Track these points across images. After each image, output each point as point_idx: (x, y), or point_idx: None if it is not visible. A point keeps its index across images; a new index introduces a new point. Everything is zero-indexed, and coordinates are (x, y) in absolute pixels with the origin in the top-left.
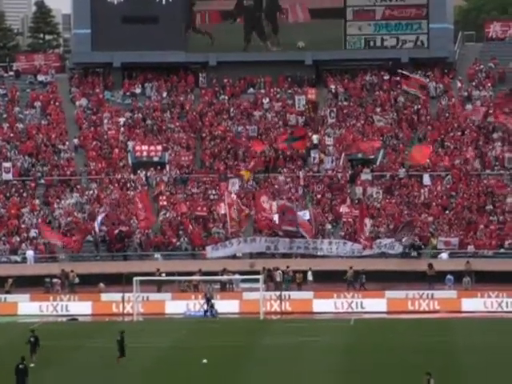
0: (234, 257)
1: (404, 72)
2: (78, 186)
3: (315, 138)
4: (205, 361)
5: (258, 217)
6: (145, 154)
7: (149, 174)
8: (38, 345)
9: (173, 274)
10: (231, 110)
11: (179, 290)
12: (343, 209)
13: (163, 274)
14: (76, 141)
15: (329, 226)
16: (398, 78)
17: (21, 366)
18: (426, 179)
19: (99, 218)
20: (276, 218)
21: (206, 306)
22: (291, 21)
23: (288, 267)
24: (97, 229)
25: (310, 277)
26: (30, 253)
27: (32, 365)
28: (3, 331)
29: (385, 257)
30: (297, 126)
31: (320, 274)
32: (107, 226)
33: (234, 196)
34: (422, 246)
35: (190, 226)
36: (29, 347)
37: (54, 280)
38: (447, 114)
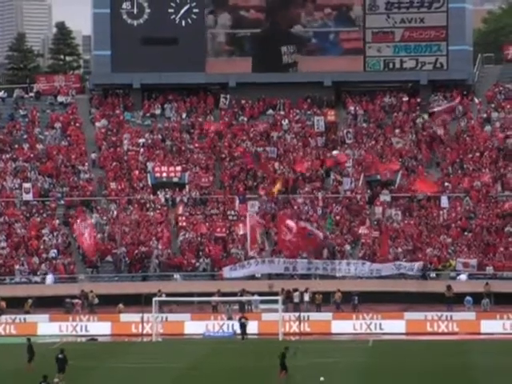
0: (252, 277)
1: (435, 109)
2: (98, 207)
3: (334, 153)
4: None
5: (280, 237)
6: (164, 174)
7: (168, 196)
8: (66, 363)
9: (191, 294)
10: (250, 131)
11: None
12: (362, 230)
13: (163, 295)
14: (96, 161)
15: (347, 247)
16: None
17: None
18: (444, 201)
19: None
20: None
21: (238, 330)
22: None
23: (307, 289)
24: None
25: (306, 297)
26: (49, 277)
27: (56, 380)
28: (23, 351)
29: (404, 278)
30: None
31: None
32: (127, 247)
33: (256, 217)
34: (439, 267)
35: (210, 247)
36: (56, 365)
37: (75, 301)
38: (466, 136)
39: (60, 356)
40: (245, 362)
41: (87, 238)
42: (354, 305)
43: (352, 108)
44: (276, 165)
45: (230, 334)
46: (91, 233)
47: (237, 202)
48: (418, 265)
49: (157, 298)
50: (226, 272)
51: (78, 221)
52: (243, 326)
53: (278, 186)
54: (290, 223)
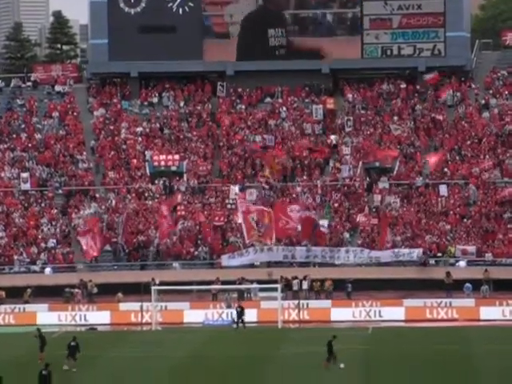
0: (251, 266)
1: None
2: (97, 196)
3: (333, 138)
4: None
5: (279, 225)
6: (162, 163)
7: (167, 184)
8: (79, 351)
9: (191, 283)
10: (248, 119)
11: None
12: (360, 218)
13: (157, 283)
14: (94, 150)
15: (346, 235)
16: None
17: (44, 372)
18: (443, 190)
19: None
20: (299, 227)
21: (236, 318)
22: None
23: (306, 276)
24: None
25: (304, 285)
26: (48, 270)
27: (65, 367)
28: (23, 341)
29: (403, 265)
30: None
31: (337, 283)
32: (125, 236)
33: (251, 205)
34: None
35: (208, 236)
36: (67, 351)
37: (75, 290)
38: (464, 122)
39: (72, 343)
40: (244, 350)
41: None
42: (347, 292)
43: (350, 95)
44: (274, 152)
45: (229, 322)
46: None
47: (232, 190)
48: (417, 252)
49: (155, 287)
50: (225, 260)
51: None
52: (240, 315)
53: (268, 171)
54: (292, 213)
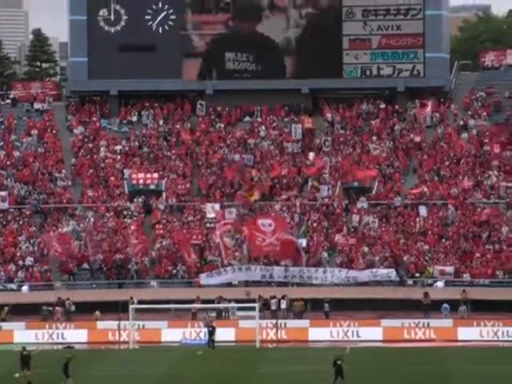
0: (229, 285)
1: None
2: (75, 213)
3: (311, 155)
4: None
5: (253, 243)
6: (141, 181)
7: (145, 202)
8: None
9: (169, 301)
10: (228, 138)
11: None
12: (338, 237)
13: (135, 302)
14: (72, 169)
15: (325, 255)
16: (396, 108)
17: None
18: (423, 211)
19: None
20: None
21: (207, 336)
22: None
23: (284, 296)
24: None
25: (283, 305)
26: (25, 288)
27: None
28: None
29: (381, 285)
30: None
31: (315, 303)
32: (103, 254)
33: (227, 224)
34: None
35: (186, 254)
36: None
37: (56, 308)
38: (443, 143)
39: (25, 353)
40: (221, 369)
41: (58, 248)
42: (325, 312)
43: (329, 115)
44: (253, 172)
45: (206, 341)
46: (61, 242)
47: (209, 209)
48: (394, 271)
49: (134, 306)
50: (203, 279)
51: (49, 233)
52: (211, 334)
53: (255, 196)
54: (264, 227)
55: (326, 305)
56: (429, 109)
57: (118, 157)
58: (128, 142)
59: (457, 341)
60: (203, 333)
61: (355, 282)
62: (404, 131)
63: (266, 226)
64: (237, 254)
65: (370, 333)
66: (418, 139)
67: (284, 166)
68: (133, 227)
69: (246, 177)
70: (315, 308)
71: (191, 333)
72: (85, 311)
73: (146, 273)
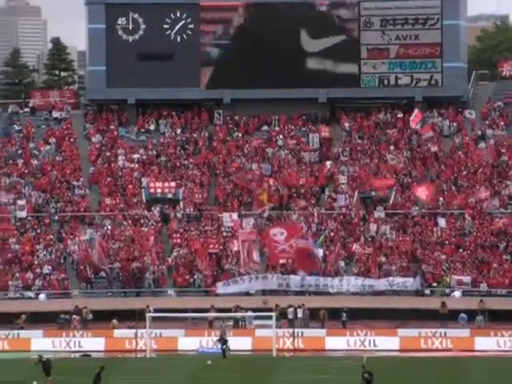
0: (246, 294)
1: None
2: (95, 222)
3: (328, 163)
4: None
5: (270, 252)
6: (159, 190)
7: (163, 211)
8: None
9: (186, 310)
10: (245, 147)
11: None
12: (356, 247)
13: (151, 310)
14: (90, 177)
15: (342, 264)
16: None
17: None
18: (442, 222)
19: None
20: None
21: (219, 345)
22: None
23: (302, 305)
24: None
25: (300, 314)
26: (42, 296)
27: None
28: (17, 367)
29: (397, 295)
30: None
31: (332, 312)
32: (121, 263)
33: (247, 233)
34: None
35: (203, 263)
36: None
37: (73, 316)
38: (460, 153)
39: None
40: (238, 377)
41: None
42: (342, 321)
43: (347, 124)
44: (270, 181)
45: (220, 350)
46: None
47: (226, 218)
48: (412, 280)
49: (150, 314)
50: (220, 288)
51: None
52: (223, 344)
53: (264, 197)
54: (276, 236)
55: (344, 314)
56: (414, 114)
57: (136, 165)
58: (146, 150)
59: (474, 351)
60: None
61: (371, 290)
62: (421, 141)
63: (277, 235)
64: (256, 263)
65: (387, 342)
66: (435, 149)
67: (301, 175)
68: (150, 236)
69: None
70: (332, 317)
71: (208, 341)
72: (102, 319)
73: (163, 281)
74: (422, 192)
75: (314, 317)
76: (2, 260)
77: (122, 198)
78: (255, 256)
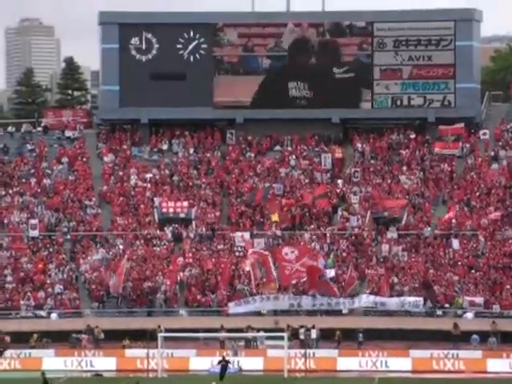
0: (258, 314)
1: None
2: (109, 241)
3: (340, 182)
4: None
5: (281, 272)
6: (171, 210)
7: (175, 231)
8: None
9: (197, 330)
10: (257, 167)
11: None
12: (369, 267)
13: (163, 330)
14: (102, 196)
15: (357, 287)
16: (427, 138)
17: None
18: (455, 244)
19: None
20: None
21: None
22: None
23: (314, 326)
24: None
25: (313, 334)
26: (54, 315)
27: None
28: None
29: (410, 315)
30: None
31: (344, 332)
32: (133, 282)
33: (260, 253)
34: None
35: (216, 283)
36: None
37: (83, 336)
38: (473, 173)
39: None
40: None
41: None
42: (359, 342)
43: (359, 145)
44: (283, 201)
45: (234, 370)
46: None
47: (238, 237)
48: (423, 300)
49: (162, 334)
50: (231, 308)
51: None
52: (224, 368)
53: (275, 217)
54: (287, 256)
55: (360, 335)
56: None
57: (149, 185)
58: (158, 170)
59: (486, 372)
60: (232, 361)
61: (383, 308)
62: (434, 162)
63: (289, 253)
64: (265, 281)
65: (399, 363)
66: (448, 169)
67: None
68: (163, 255)
69: (272, 203)
70: (344, 338)
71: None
72: (113, 339)
73: (175, 301)
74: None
75: (327, 337)
76: (14, 279)
77: (135, 218)
78: (272, 276)
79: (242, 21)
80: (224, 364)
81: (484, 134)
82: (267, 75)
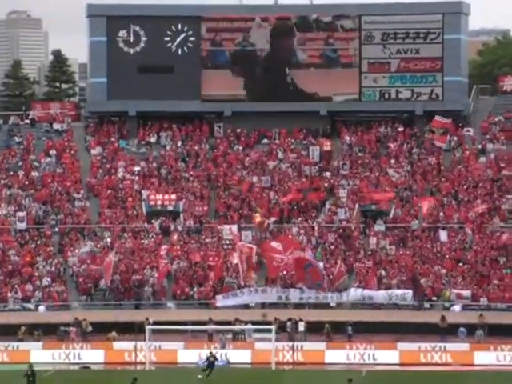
0: (246, 306)
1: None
2: (96, 234)
3: (328, 174)
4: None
5: (269, 265)
6: (159, 203)
7: (163, 224)
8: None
9: (185, 323)
10: (245, 160)
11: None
12: (356, 260)
13: (151, 323)
14: (90, 189)
15: (346, 281)
16: (415, 131)
17: None
18: (443, 236)
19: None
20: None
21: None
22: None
23: (301, 319)
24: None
25: (301, 327)
26: (42, 308)
27: None
28: (15, 379)
29: (397, 308)
30: (313, 177)
31: (332, 325)
32: (121, 275)
33: (246, 246)
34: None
35: (203, 276)
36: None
37: (71, 328)
38: (461, 167)
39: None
40: None
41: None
42: (348, 335)
43: (347, 138)
44: (271, 194)
45: (223, 362)
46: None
47: (226, 230)
48: (411, 292)
49: (150, 327)
50: (219, 300)
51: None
52: (212, 363)
53: (258, 217)
54: (275, 248)
55: (349, 328)
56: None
57: (136, 178)
58: (146, 163)
59: (473, 365)
60: (219, 354)
61: (371, 301)
62: (422, 155)
63: (276, 246)
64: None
65: (387, 356)
66: (436, 163)
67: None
68: (151, 248)
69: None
70: (332, 330)
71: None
72: (101, 331)
73: (163, 294)
74: (425, 205)
75: (315, 330)
76: (2, 272)
77: (122, 211)
78: (253, 269)
79: (229, 14)
80: (212, 360)
81: (467, 131)
82: (256, 68)
